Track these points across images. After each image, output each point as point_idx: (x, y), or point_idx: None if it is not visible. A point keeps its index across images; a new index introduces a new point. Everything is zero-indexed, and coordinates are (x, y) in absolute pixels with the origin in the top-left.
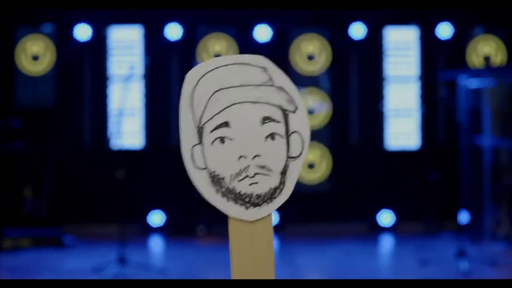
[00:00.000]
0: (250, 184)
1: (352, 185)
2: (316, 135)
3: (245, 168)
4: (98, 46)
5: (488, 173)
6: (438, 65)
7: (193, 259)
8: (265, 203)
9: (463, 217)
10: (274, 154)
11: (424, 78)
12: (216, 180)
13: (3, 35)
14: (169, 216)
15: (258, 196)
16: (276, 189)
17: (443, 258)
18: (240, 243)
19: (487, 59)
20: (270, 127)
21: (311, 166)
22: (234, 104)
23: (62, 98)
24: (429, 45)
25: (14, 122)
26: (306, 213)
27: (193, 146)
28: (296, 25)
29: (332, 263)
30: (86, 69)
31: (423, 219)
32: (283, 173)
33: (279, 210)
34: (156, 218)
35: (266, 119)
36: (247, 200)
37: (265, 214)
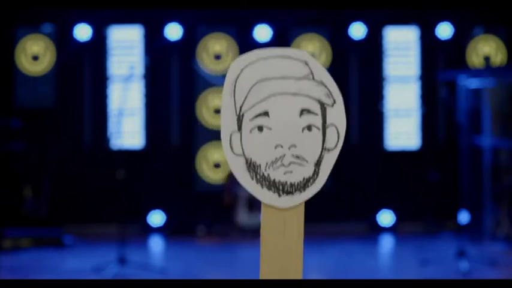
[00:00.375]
0: (285, 173)
1: (352, 185)
2: None
3: (281, 157)
4: (98, 46)
5: (488, 173)
6: (438, 65)
7: (193, 259)
8: (298, 192)
9: (463, 217)
10: (310, 145)
11: (424, 78)
12: (251, 167)
13: (3, 35)
14: (169, 216)
15: (292, 185)
16: (309, 179)
17: (443, 258)
18: (271, 230)
19: (487, 59)
20: (308, 119)
21: None
22: (275, 94)
23: (62, 98)
24: (429, 45)
25: (14, 122)
26: (306, 213)
27: (233, 133)
28: (296, 25)
29: (332, 263)
30: (86, 69)
31: (423, 219)
32: (318, 164)
33: None
34: (156, 218)
35: (304, 111)
36: (280, 187)
37: (298, 202)
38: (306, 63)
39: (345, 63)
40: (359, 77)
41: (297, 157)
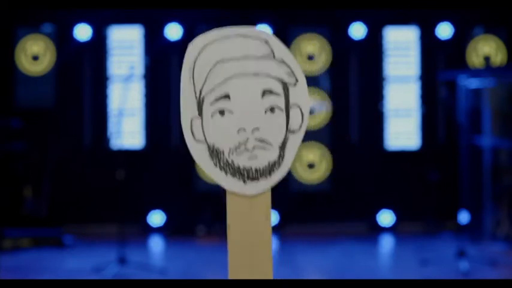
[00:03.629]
0: (249, 158)
1: (352, 185)
2: (316, 135)
3: (244, 142)
4: (98, 46)
5: (488, 173)
6: (438, 65)
7: (193, 259)
8: (263, 177)
9: (463, 217)
10: (273, 127)
11: (424, 78)
12: (215, 153)
13: (3, 35)
14: (169, 216)
15: (257, 170)
16: (274, 163)
17: (443, 258)
18: (238, 217)
19: (487, 59)
20: (270, 100)
21: (311, 166)
22: (235, 76)
23: (62, 98)
24: (429, 45)
25: (14, 122)
26: (306, 213)
27: (193, 118)
28: (296, 25)
29: (332, 263)
30: (86, 69)
31: (423, 219)
32: (282, 147)
33: (279, 210)
34: (156, 218)
35: (266, 92)
36: (245, 174)
37: (264, 189)
38: (266, 42)
39: (345, 63)
40: (359, 77)
41: (261, 141)
